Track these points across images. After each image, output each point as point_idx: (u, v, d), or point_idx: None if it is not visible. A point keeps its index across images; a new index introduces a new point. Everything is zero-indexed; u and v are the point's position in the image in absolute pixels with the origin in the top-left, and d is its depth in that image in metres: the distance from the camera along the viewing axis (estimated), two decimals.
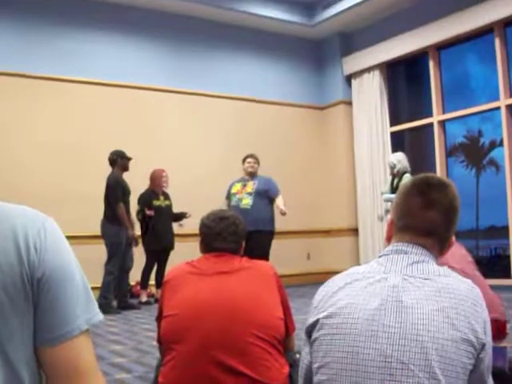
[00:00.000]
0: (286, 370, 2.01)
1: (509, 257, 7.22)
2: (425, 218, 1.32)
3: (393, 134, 8.64)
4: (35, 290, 0.88)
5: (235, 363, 1.90)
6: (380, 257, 1.34)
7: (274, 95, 8.90)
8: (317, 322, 1.28)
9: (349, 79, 9.14)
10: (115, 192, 6.06)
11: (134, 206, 6.48)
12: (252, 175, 6.35)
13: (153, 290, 6.87)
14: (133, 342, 4.26)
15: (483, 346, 1.17)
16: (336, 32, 9.08)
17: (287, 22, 8.69)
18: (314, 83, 9.39)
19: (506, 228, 7.17)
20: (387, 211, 6.60)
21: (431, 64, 8.08)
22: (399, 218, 1.37)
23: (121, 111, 7.60)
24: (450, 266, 1.33)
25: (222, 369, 1.90)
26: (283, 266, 6.41)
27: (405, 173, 6.37)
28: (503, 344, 2.17)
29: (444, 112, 8.08)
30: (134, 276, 6.67)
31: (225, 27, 8.51)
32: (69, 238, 0.97)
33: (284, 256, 7.64)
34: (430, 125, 8.14)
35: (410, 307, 1.18)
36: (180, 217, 6.86)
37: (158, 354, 2.36)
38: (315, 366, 1.27)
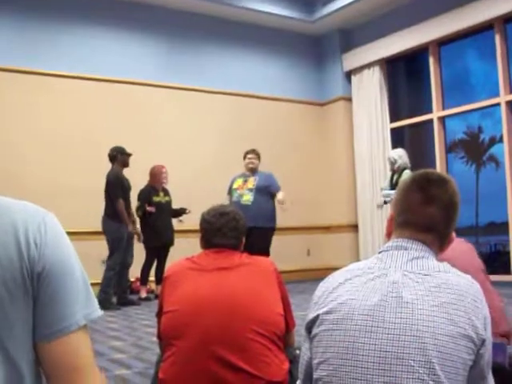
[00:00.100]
0: (286, 366, 2.01)
1: (508, 253, 7.22)
2: (425, 213, 1.32)
3: (393, 130, 8.63)
4: (35, 285, 0.88)
5: (235, 359, 1.90)
6: (380, 253, 1.34)
7: (273, 91, 8.89)
8: (317, 317, 1.28)
9: (349, 75, 9.13)
10: (115, 188, 6.06)
11: (134, 202, 6.48)
12: (252, 171, 6.34)
13: (152, 286, 6.88)
14: (132, 338, 4.27)
15: (483, 341, 1.17)
16: (336, 28, 9.07)
17: (287, 17, 8.68)
18: (313, 79, 9.38)
19: (506, 224, 7.17)
20: (385, 202, 6.63)
21: (431, 60, 8.07)
22: (399, 213, 1.36)
23: (119, 107, 7.59)
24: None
25: (222, 364, 1.90)
26: (283, 262, 6.41)
27: (404, 169, 6.36)
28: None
29: (444, 108, 8.07)
30: (134, 272, 6.67)
31: (224, 23, 8.49)
32: (68, 233, 0.96)
33: (284, 252, 7.64)
34: (430, 121, 8.13)
35: (410, 303, 1.18)
36: (180, 213, 6.87)
37: (157, 350, 2.36)
38: (315, 361, 1.27)
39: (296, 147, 8.98)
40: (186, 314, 1.99)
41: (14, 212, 0.90)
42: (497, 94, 7.34)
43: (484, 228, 8.83)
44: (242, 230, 2.25)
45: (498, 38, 7.24)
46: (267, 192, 6.21)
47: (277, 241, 6.52)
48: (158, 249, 6.63)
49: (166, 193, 6.79)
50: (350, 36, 9.16)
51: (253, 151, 6.44)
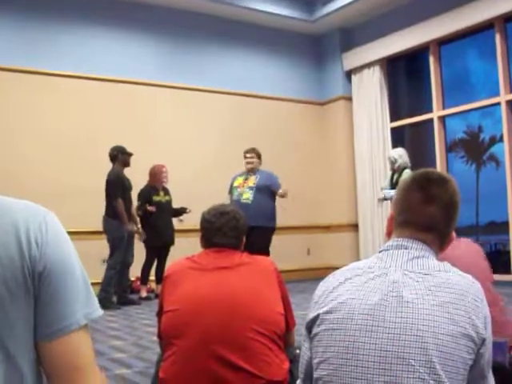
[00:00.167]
0: (286, 365, 2.01)
1: (509, 252, 7.22)
2: (425, 213, 1.32)
3: (393, 130, 8.63)
4: (36, 284, 0.88)
5: (235, 358, 1.90)
6: (380, 252, 1.34)
7: (274, 90, 8.89)
8: (317, 317, 1.28)
9: (349, 75, 9.12)
10: (115, 188, 6.06)
11: (134, 202, 6.49)
12: (252, 171, 6.30)
13: (153, 285, 6.88)
14: (133, 338, 4.27)
15: (483, 341, 1.17)
16: (336, 27, 9.06)
17: (287, 17, 8.67)
18: (313, 79, 9.38)
19: (506, 223, 7.17)
20: (385, 199, 6.63)
21: (431, 59, 8.07)
22: (399, 213, 1.36)
23: (122, 107, 7.59)
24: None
25: (222, 364, 1.90)
26: (283, 261, 6.41)
27: (405, 168, 6.36)
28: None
29: (444, 107, 8.07)
30: (134, 271, 6.67)
31: (225, 23, 8.49)
32: (69, 233, 0.96)
33: (284, 251, 7.64)
34: (430, 120, 8.13)
35: (411, 302, 1.18)
36: (180, 212, 6.87)
37: (158, 349, 2.36)
38: (315, 361, 1.27)
39: (296, 146, 8.98)
40: (187, 314, 1.99)
41: (15, 211, 0.90)
42: (497, 94, 7.34)
43: (484, 227, 8.83)
44: (242, 230, 2.24)
45: (498, 38, 7.24)
46: (268, 191, 6.18)
47: (277, 240, 6.51)
48: (159, 248, 6.63)
49: (167, 192, 6.79)
50: (351, 35, 9.15)
51: (252, 150, 6.36)
